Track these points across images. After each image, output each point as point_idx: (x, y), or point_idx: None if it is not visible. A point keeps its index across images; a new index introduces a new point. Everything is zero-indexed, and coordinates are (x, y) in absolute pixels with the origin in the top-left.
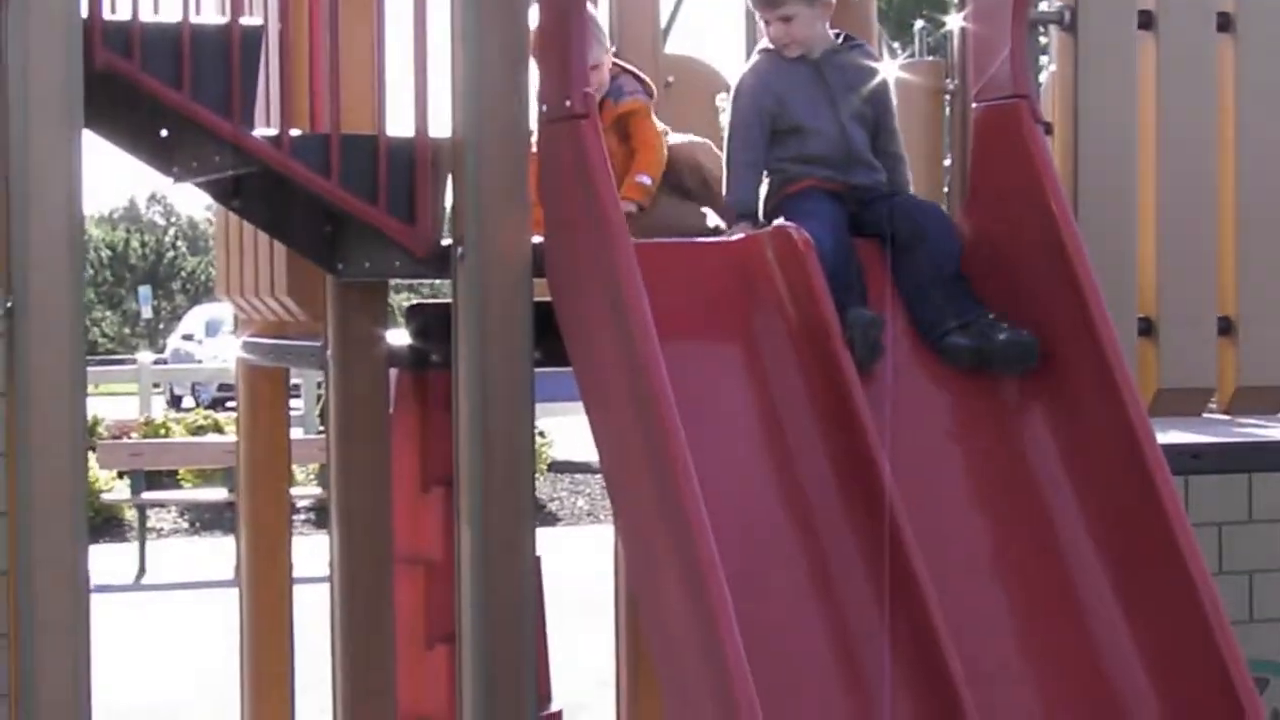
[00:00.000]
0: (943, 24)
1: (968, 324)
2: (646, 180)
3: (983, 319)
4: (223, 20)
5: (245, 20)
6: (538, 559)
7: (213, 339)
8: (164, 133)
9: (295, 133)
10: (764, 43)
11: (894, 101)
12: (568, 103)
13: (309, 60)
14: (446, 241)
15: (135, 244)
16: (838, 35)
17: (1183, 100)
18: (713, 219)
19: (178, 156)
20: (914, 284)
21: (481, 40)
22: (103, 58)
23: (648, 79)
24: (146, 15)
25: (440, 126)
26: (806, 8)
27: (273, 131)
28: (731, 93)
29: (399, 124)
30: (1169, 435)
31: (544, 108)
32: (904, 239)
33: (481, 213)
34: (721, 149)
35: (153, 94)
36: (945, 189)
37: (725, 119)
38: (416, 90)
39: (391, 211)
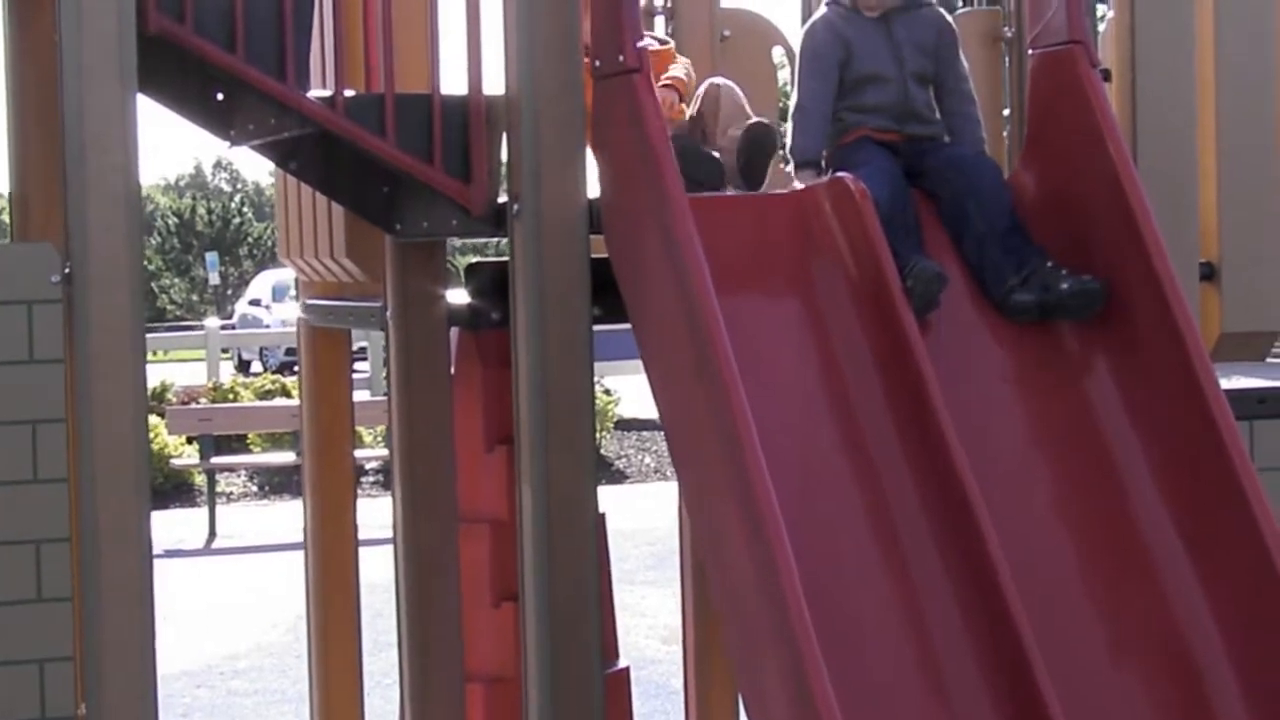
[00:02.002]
0: None
1: (1028, 277)
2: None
3: (1043, 268)
4: None
5: None
6: (602, 516)
7: (279, 303)
8: (219, 96)
9: (350, 93)
10: None
11: (964, 62)
12: (621, 58)
13: (363, 20)
14: (503, 199)
15: (201, 210)
16: None
17: (1241, 44)
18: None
19: (234, 120)
20: (971, 242)
21: None
22: (155, 21)
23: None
24: None
25: (494, 84)
26: None
27: (327, 92)
28: (800, 44)
29: (453, 82)
30: (1233, 380)
31: (597, 63)
32: (955, 194)
33: (537, 169)
34: (778, 101)
35: (206, 57)
36: (1005, 138)
37: (785, 73)
38: (470, 48)
39: (447, 170)
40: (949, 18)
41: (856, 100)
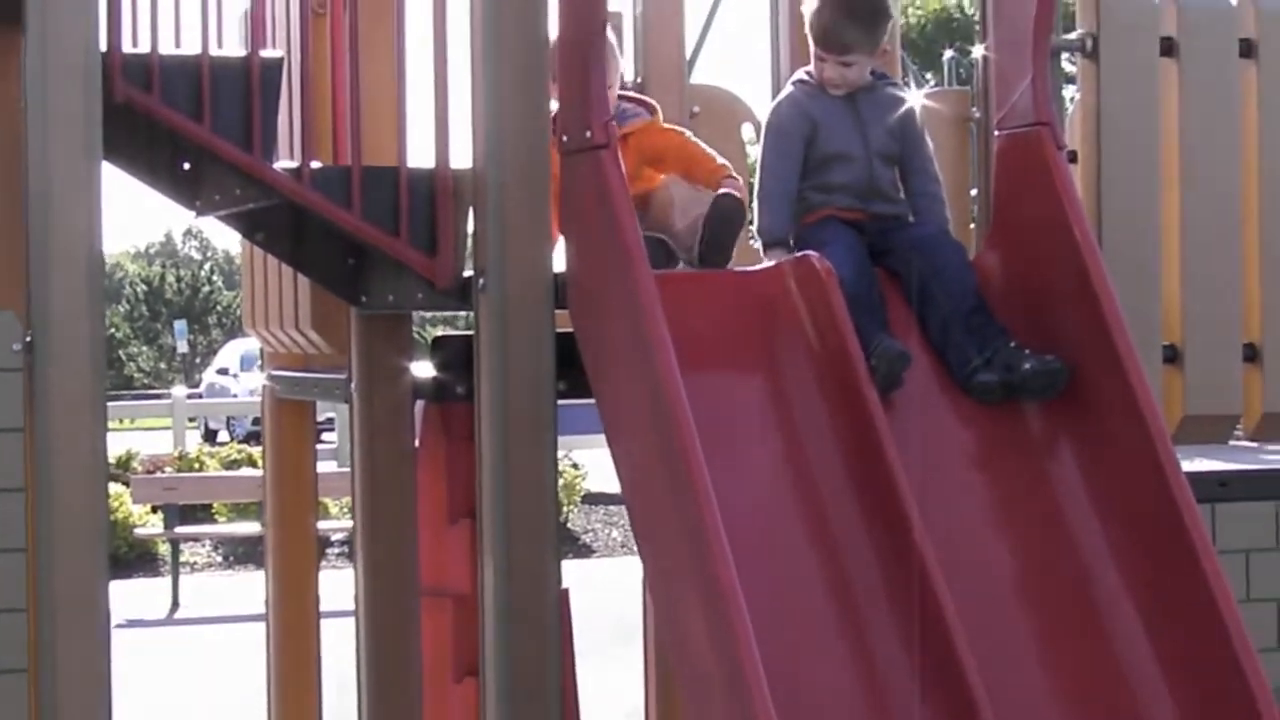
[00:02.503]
0: (970, 53)
1: (991, 358)
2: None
3: (1005, 348)
4: (242, 52)
5: (265, 52)
6: (565, 591)
7: (247, 373)
8: (186, 165)
9: (316, 165)
10: (800, 74)
11: (928, 141)
12: (588, 133)
13: (330, 92)
14: (468, 273)
15: (171, 278)
16: (869, 71)
17: (1206, 126)
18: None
19: (200, 190)
20: (935, 322)
21: (501, 70)
22: (122, 90)
23: (644, 98)
24: (166, 48)
25: (461, 157)
26: (867, 57)
27: (294, 164)
28: (765, 123)
29: (420, 155)
30: (1195, 463)
31: (564, 138)
32: (919, 274)
33: (502, 243)
34: (748, 178)
35: (173, 127)
36: (973, 218)
37: (755, 149)
38: (437, 121)
39: (413, 243)
40: (911, 96)
41: (822, 179)
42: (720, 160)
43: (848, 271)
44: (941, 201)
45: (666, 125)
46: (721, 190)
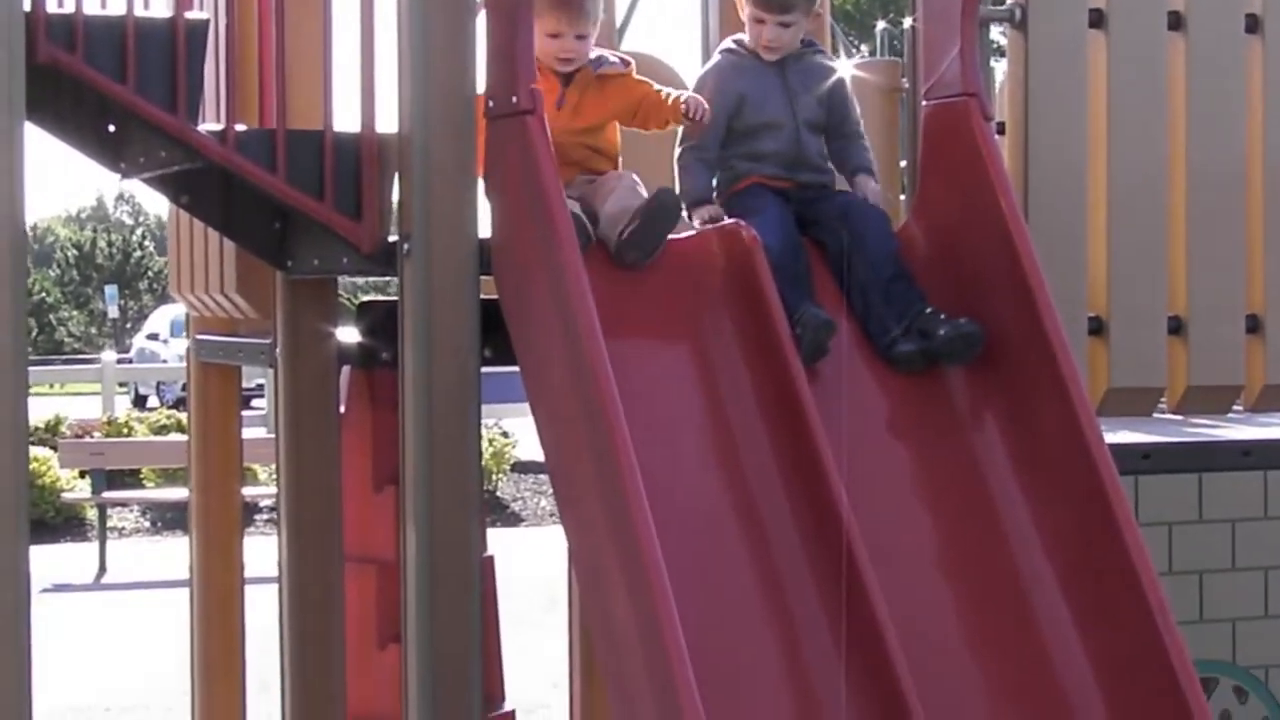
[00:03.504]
0: (903, 25)
1: (909, 326)
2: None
3: (921, 314)
4: (168, 14)
5: (191, 14)
6: (490, 559)
7: (178, 338)
8: (111, 128)
9: (241, 128)
10: (728, 43)
11: (855, 105)
12: (514, 99)
13: (256, 54)
14: (394, 238)
15: (102, 243)
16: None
17: (1133, 98)
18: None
19: (125, 152)
20: (857, 291)
21: (428, 34)
22: (46, 51)
23: (621, 54)
24: (91, 8)
25: (388, 122)
26: (804, 17)
27: (218, 127)
28: (694, 86)
29: (346, 119)
30: (1119, 435)
31: (490, 103)
32: (843, 244)
33: (428, 208)
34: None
35: (97, 88)
36: (903, 192)
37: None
38: (363, 85)
39: (338, 207)
40: (840, 65)
41: (750, 147)
42: (673, 92)
43: (774, 240)
44: (862, 139)
45: (639, 77)
46: (661, 188)
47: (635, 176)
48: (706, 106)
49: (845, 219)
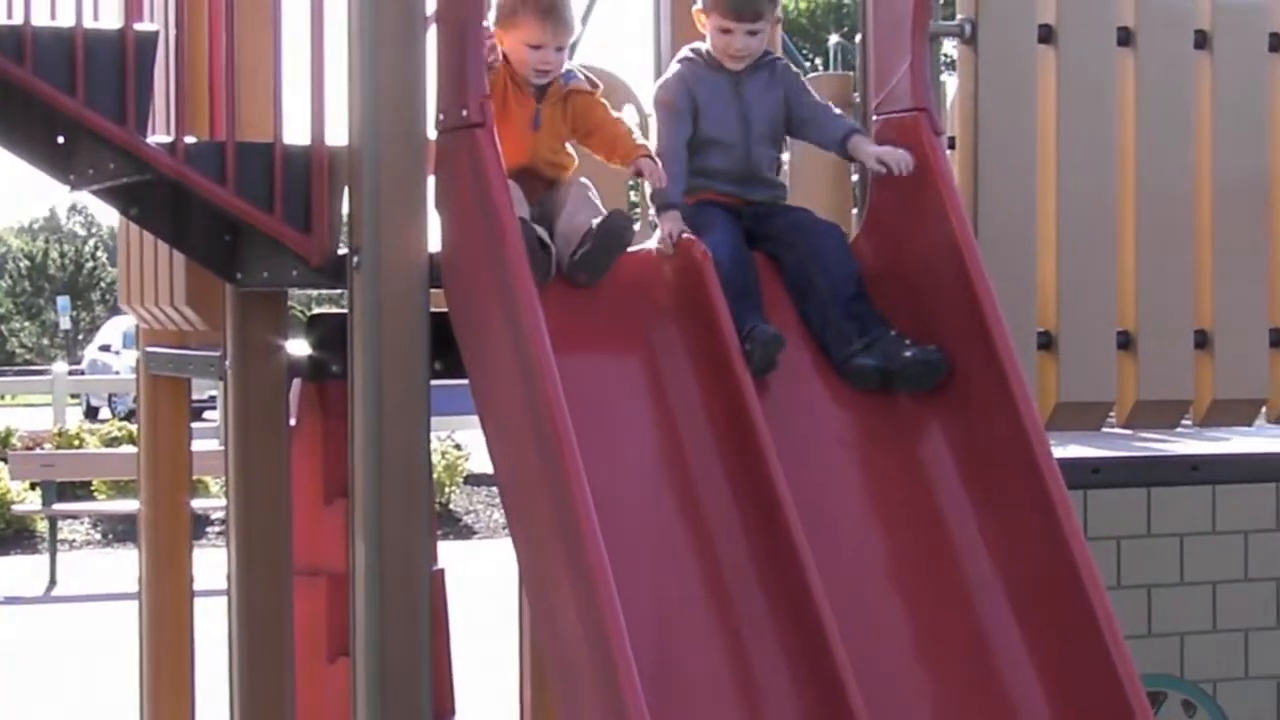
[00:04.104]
0: (855, 39)
1: (871, 343)
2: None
3: (886, 337)
4: (117, 25)
5: (140, 25)
6: (440, 571)
7: (130, 350)
8: (60, 139)
9: (190, 140)
10: (685, 51)
11: (812, 92)
12: (464, 112)
13: (206, 66)
14: (344, 251)
15: (54, 254)
16: None
17: (1083, 114)
18: None
19: (74, 164)
20: (814, 306)
21: (378, 47)
22: None
23: (590, 75)
24: (41, 19)
25: (337, 134)
26: (769, 26)
27: (168, 139)
28: (655, 99)
29: (296, 132)
30: (1068, 449)
31: (441, 116)
32: (798, 259)
33: (378, 221)
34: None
35: (46, 100)
36: (856, 206)
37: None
38: (313, 98)
39: (287, 220)
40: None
41: (700, 163)
42: (640, 140)
43: (724, 256)
44: (840, 114)
45: (602, 101)
46: (613, 210)
47: (587, 183)
48: (662, 175)
49: (801, 234)
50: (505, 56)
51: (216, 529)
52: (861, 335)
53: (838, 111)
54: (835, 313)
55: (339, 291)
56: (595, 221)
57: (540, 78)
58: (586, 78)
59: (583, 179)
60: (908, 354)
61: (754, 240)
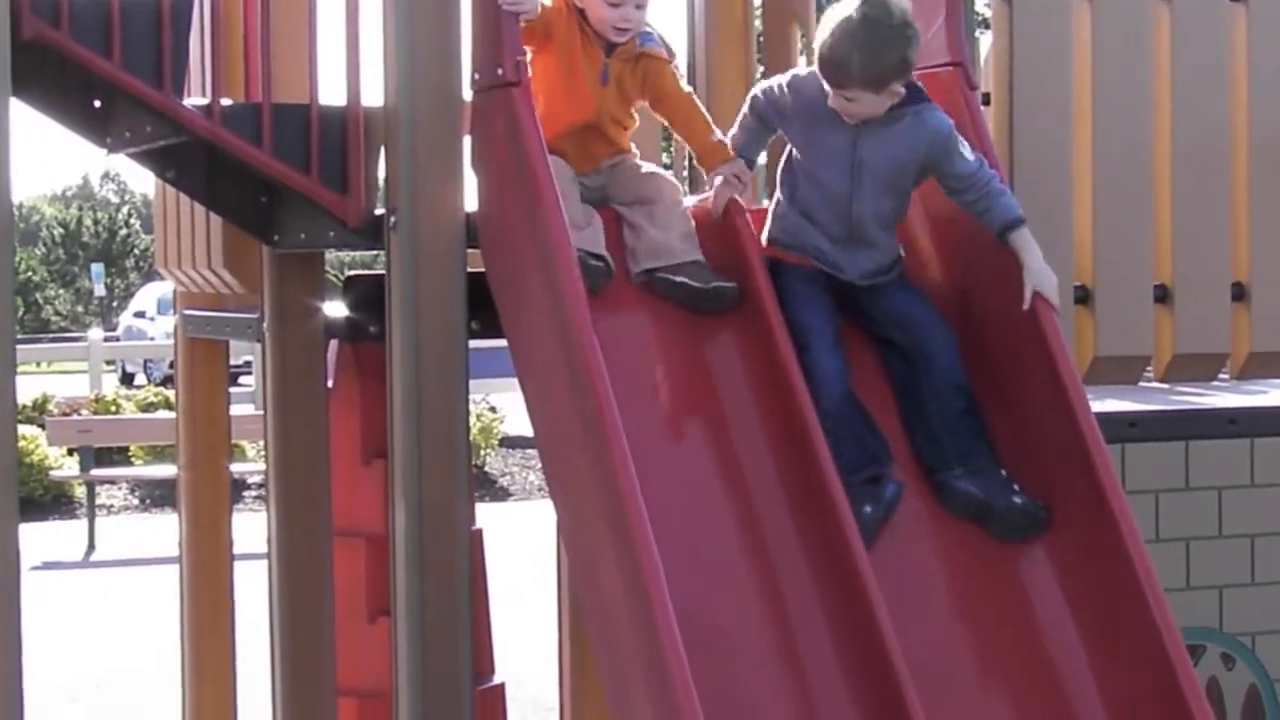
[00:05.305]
0: None
1: (975, 471)
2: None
3: (993, 473)
4: None
5: None
6: (478, 532)
7: (165, 316)
8: (96, 103)
9: (226, 102)
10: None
11: (965, 156)
12: (500, 70)
13: (242, 29)
14: (380, 211)
15: (88, 222)
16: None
17: (1119, 70)
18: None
19: (111, 127)
20: (914, 409)
21: (414, 7)
22: (31, 26)
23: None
24: None
25: (373, 95)
26: (873, 95)
27: (204, 101)
28: (780, 79)
29: (332, 93)
30: (1106, 403)
31: (476, 76)
32: (902, 353)
33: (414, 182)
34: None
35: (83, 63)
36: None
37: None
38: (349, 58)
39: (324, 181)
40: (941, 119)
41: (805, 201)
42: (718, 136)
43: (831, 385)
44: (996, 194)
45: (681, 78)
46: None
47: (676, 184)
48: (731, 195)
49: (906, 330)
50: (580, 10)
51: (253, 493)
52: (964, 459)
53: (996, 186)
54: (938, 428)
55: (372, 255)
56: (698, 259)
57: (619, 35)
58: (664, 43)
59: (672, 179)
60: (1016, 500)
61: (850, 310)
